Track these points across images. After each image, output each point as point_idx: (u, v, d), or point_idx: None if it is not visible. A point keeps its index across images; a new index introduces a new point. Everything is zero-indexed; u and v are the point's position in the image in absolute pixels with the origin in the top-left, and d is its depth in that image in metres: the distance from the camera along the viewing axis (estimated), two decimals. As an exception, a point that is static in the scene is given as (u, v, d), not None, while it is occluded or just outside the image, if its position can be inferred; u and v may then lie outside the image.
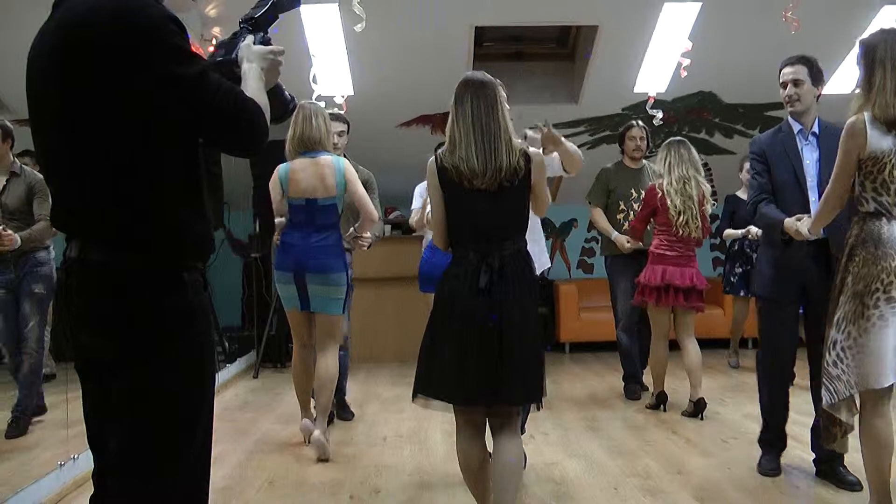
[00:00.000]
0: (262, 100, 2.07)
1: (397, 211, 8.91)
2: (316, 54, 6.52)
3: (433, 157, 3.19)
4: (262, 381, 7.21)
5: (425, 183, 3.46)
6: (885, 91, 3.16)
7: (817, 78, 3.97)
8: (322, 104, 6.31)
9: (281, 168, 4.67)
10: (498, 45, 7.91)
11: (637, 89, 7.50)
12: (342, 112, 6.10)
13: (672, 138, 5.58)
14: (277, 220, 4.72)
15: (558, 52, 7.96)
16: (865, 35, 3.36)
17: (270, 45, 2.22)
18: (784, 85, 4.00)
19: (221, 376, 6.97)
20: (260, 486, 4.09)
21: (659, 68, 7.24)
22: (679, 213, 5.33)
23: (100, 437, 2.02)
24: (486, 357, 2.97)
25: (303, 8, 6.24)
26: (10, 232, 4.53)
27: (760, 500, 3.77)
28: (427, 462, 4.49)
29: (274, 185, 4.67)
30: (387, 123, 7.93)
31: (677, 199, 5.33)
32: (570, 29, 7.70)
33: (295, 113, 4.63)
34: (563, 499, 3.80)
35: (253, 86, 2.09)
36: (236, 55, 2.16)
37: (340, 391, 5.51)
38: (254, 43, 2.19)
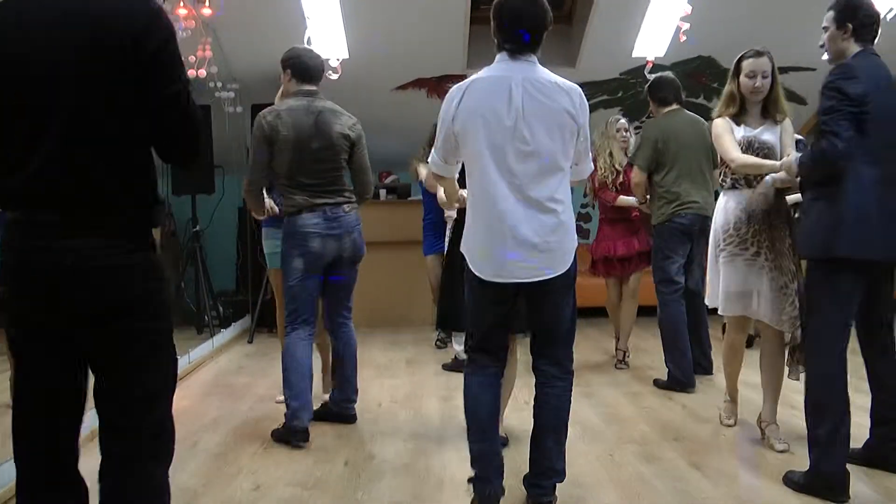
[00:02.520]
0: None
1: (393, 175, 8.86)
2: (311, 16, 6.43)
3: None
4: (256, 346, 7.19)
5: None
6: None
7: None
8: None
9: None
10: (495, 8, 7.81)
11: (635, 53, 7.43)
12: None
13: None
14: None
15: (555, 14, 7.73)
16: None
17: None
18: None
19: (216, 341, 6.96)
20: (255, 452, 4.08)
21: (658, 32, 7.16)
22: None
23: None
24: None
25: (298, -31, 6.15)
26: None
27: (757, 466, 3.78)
28: (422, 428, 4.48)
29: None
30: (382, 87, 7.86)
31: None
32: (569, -8, 7.62)
33: None
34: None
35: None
36: None
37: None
38: None
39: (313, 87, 4.36)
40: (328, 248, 4.30)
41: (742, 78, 4.07)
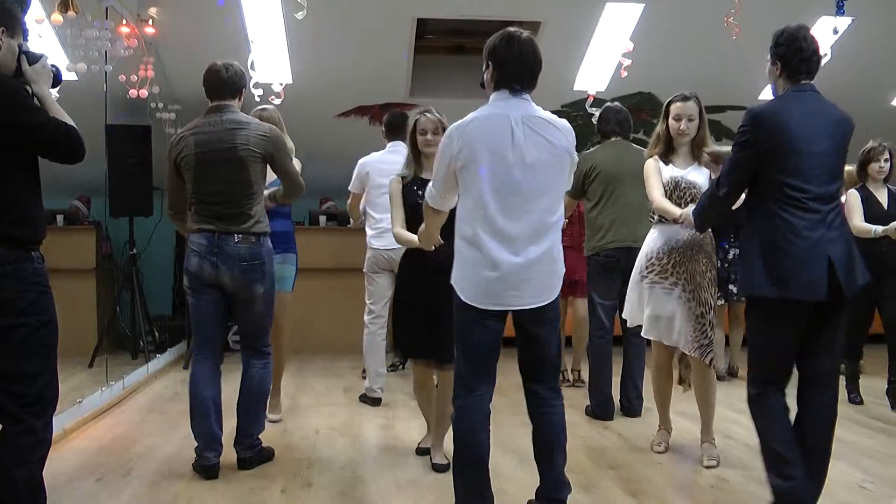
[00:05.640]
0: (66, 117, 2.93)
1: (331, 201, 8.83)
2: (255, 40, 6.42)
3: None
4: (192, 372, 7.08)
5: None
6: None
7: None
8: (259, 91, 6.23)
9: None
10: (439, 38, 7.88)
11: (577, 87, 7.56)
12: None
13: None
14: None
15: (499, 45, 7.95)
16: None
17: (37, 58, 2.97)
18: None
19: (152, 366, 6.85)
20: (190, 479, 4.01)
21: (599, 67, 7.30)
22: None
23: None
24: None
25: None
26: None
27: (692, 494, 3.83)
28: (359, 455, 4.46)
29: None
30: (325, 113, 7.86)
31: None
32: (512, 24, 7.69)
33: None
34: (497, 494, 3.78)
35: (55, 108, 2.94)
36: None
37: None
38: (29, 63, 2.93)
39: (224, 102, 4.13)
40: (204, 271, 4.06)
41: (670, 121, 4.26)
